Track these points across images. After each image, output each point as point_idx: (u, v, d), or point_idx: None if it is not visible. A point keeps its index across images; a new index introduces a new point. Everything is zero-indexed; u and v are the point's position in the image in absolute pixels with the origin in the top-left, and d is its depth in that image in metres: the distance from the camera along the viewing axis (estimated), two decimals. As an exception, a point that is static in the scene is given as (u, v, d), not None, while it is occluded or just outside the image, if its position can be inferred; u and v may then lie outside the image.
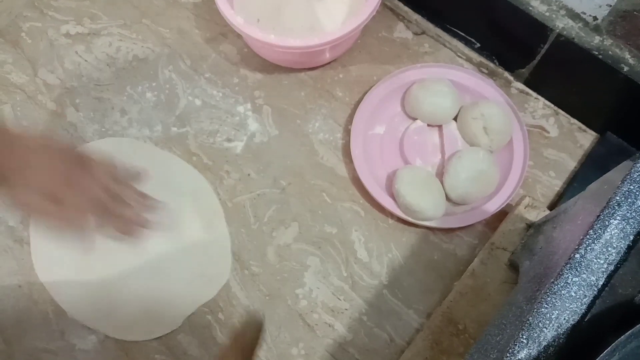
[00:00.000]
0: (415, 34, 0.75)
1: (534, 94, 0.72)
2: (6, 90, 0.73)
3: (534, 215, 0.61)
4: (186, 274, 0.63)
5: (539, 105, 0.71)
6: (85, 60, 0.74)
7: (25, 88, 0.73)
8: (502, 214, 0.64)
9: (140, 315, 0.61)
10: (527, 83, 0.72)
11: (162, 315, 0.61)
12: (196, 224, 0.65)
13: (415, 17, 0.75)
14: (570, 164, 0.68)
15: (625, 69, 0.61)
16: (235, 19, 0.65)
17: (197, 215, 0.65)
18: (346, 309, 0.63)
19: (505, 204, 0.64)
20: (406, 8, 0.76)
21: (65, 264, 0.63)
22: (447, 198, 0.65)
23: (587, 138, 0.70)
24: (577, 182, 0.67)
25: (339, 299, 0.63)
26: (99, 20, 0.77)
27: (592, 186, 0.49)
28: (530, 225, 0.61)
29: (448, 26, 0.74)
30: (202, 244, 0.65)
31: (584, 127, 0.70)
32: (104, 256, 0.63)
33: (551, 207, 0.66)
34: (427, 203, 0.62)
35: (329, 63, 0.73)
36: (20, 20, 0.76)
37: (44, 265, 0.64)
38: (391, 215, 0.66)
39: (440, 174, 0.67)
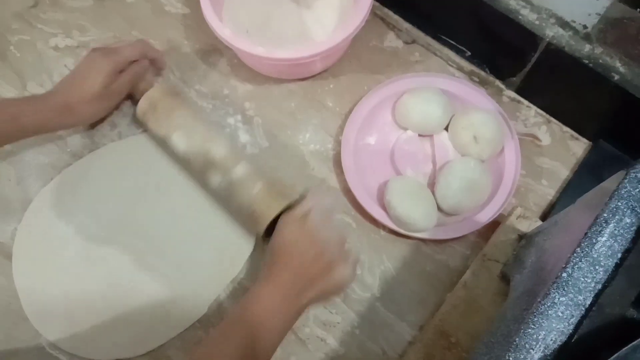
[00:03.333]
0: (406, 42, 0.75)
1: (526, 102, 0.71)
2: (-5, 104, 0.72)
3: (526, 226, 0.61)
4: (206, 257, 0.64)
5: (531, 113, 0.71)
6: (75, 73, 0.74)
7: (14, 102, 0.72)
8: (494, 224, 0.64)
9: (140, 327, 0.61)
10: (518, 91, 0.71)
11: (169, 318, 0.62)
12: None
13: (406, 25, 0.75)
14: (563, 172, 0.68)
15: (616, 77, 0.60)
16: (223, 31, 0.64)
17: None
18: (338, 323, 0.62)
19: (497, 214, 0.63)
20: (396, 17, 0.76)
21: (49, 289, 0.63)
22: (439, 209, 0.64)
23: (579, 146, 0.69)
24: (570, 190, 0.66)
25: (330, 312, 0.62)
26: (87, 32, 0.76)
27: (583, 198, 0.48)
28: (522, 236, 0.60)
29: (439, 35, 0.74)
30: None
31: (576, 135, 0.69)
32: (95, 272, 0.63)
33: (544, 216, 0.66)
34: (418, 214, 0.62)
35: (319, 73, 0.73)
36: (8, 33, 0.76)
37: (27, 294, 0.63)
38: (383, 226, 0.65)
39: (432, 184, 0.66)
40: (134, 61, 0.66)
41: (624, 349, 0.30)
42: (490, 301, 0.58)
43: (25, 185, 0.68)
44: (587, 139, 0.69)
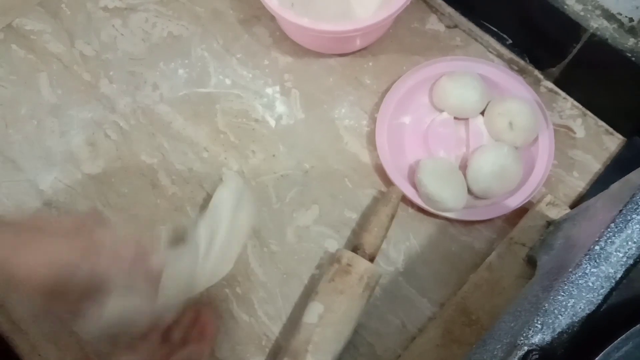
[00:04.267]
0: (448, 27, 0.75)
1: (563, 94, 0.71)
2: (44, 59, 0.75)
3: (555, 213, 0.61)
4: None
5: (567, 105, 0.71)
6: (121, 34, 0.76)
7: (62, 58, 0.75)
8: (522, 211, 0.64)
9: None
10: (556, 82, 0.72)
11: None
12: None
13: (449, 10, 0.76)
14: (595, 165, 0.68)
15: (659, 73, 0.60)
16: (271, 0, 0.66)
17: None
18: (361, 293, 0.63)
19: (526, 200, 0.64)
20: (440, 0, 0.76)
21: None
22: (469, 191, 0.65)
23: (613, 141, 0.69)
24: (601, 184, 0.67)
25: (354, 282, 0.64)
26: (137, -5, 0.78)
27: (615, 186, 0.49)
28: (550, 223, 0.61)
29: (481, 21, 0.74)
30: None
31: (611, 130, 0.70)
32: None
33: (572, 207, 0.66)
34: (448, 194, 0.63)
35: (359, 51, 0.74)
36: (60, -6, 0.78)
37: None
38: (411, 204, 0.66)
39: (464, 167, 0.67)
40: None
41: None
42: (513, 283, 0.59)
43: (68, 137, 0.70)
44: (622, 134, 0.69)
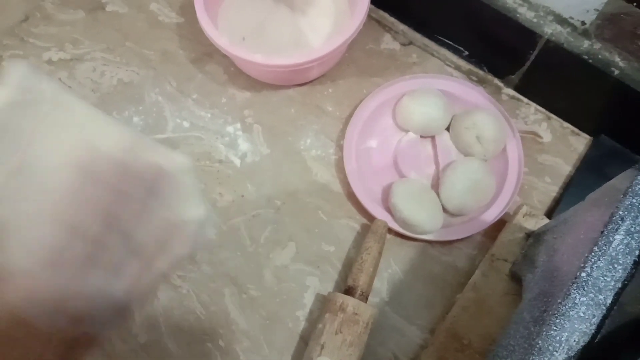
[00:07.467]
0: (403, 44, 0.74)
1: (525, 100, 0.71)
2: (-11, 122, 0.71)
3: (533, 224, 0.61)
4: None
5: (531, 110, 0.71)
6: (69, 87, 0.73)
7: (9, 118, 0.71)
8: (500, 223, 0.63)
9: None
10: (517, 89, 0.71)
11: None
12: None
13: (402, 27, 0.75)
14: (566, 168, 0.68)
15: (616, 72, 0.61)
16: (221, 39, 0.64)
17: None
18: (348, 329, 0.61)
19: (503, 213, 0.63)
20: (392, 19, 0.75)
21: None
22: (444, 210, 0.64)
23: (580, 141, 0.69)
24: (574, 186, 0.66)
25: (340, 318, 0.62)
26: (81, 45, 0.75)
27: (592, 195, 0.48)
28: (529, 235, 0.60)
29: (435, 35, 0.74)
30: None
31: (577, 130, 0.70)
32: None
33: (549, 212, 0.66)
34: (424, 216, 0.62)
35: (317, 78, 0.73)
36: (0, 49, 0.75)
37: None
38: (389, 230, 0.65)
39: (436, 186, 0.66)
40: None
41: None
42: (500, 301, 0.58)
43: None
44: (588, 134, 0.69)
